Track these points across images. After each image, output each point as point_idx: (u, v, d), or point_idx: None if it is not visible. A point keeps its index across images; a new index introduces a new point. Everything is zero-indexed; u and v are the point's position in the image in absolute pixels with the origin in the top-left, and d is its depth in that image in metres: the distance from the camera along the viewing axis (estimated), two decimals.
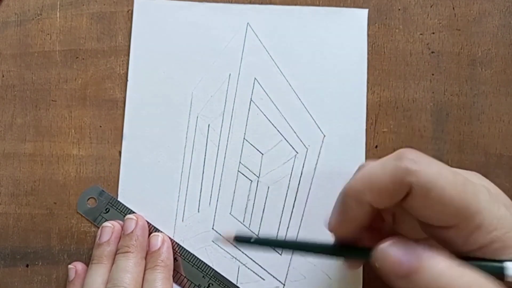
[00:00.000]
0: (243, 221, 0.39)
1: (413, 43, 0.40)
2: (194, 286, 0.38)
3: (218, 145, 0.40)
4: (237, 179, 0.39)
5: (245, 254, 0.38)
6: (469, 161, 0.39)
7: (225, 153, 0.40)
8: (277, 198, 0.39)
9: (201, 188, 0.39)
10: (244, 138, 0.40)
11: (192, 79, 0.40)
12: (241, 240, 0.33)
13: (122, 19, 0.41)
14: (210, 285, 0.38)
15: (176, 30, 0.41)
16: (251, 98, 0.40)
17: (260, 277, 0.38)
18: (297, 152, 0.39)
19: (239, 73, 0.40)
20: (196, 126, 0.40)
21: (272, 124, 0.40)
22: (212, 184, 0.39)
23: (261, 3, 0.41)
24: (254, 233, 0.39)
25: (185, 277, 0.38)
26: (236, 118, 0.40)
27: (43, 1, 0.41)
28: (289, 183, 0.39)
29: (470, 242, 0.28)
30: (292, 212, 0.39)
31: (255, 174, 0.39)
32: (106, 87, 0.40)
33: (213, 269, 0.38)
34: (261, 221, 0.39)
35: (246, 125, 0.40)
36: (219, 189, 0.39)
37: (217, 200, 0.39)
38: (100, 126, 0.40)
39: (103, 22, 0.41)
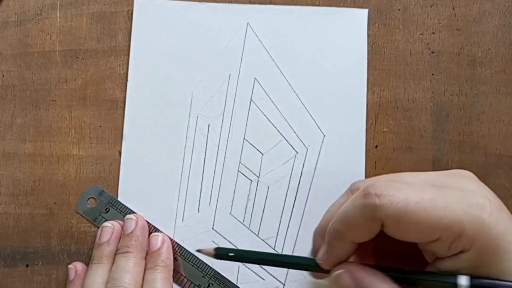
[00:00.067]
0: (243, 221, 0.39)
1: (413, 43, 0.40)
2: (194, 286, 0.38)
3: (218, 145, 0.40)
4: (237, 179, 0.39)
5: None
6: (469, 161, 0.39)
7: (225, 153, 0.40)
8: (277, 198, 0.39)
9: (201, 188, 0.39)
10: (244, 138, 0.40)
11: (192, 79, 0.40)
12: (221, 254, 0.34)
13: (122, 19, 0.41)
14: (210, 285, 0.38)
15: (176, 30, 0.41)
16: (251, 98, 0.40)
17: (260, 277, 0.38)
18: (297, 152, 0.39)
19: (239, 73, 0.40)
20: (196, 126, 0.40)
21: (272, 124, 0.40)
22: (212, 184, 0.39)
23: (261, 3, 0.41)
24: (254, 232, 0.39)
25: (185, 277, 0.38)
26: (236, 118, 0.40)
27: (43, 1, 0.41)
28: (289, 183, 0.39)
29: (452, 250, 0.29)
30: (292, 212, 0.39)
31: (255, 174, 0.39)
32: (106, 87, 0.40)
33: (213, 269, 0.38)
34: (261, 221, 0.39)
35: (246, 125, 0.40)
36: (219, 189, 0.39)
37: (217, 200, 0.39)
38: (100, 126, 0.40)
39: (103, 22, 0.41)
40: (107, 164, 0.40)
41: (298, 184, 0.39)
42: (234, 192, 0.39)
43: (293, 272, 0.38)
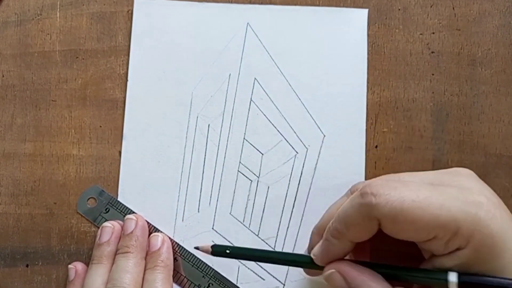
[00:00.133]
0: (243, 221, 0.39)
1: (413, 43, 0.40)
2: (194, 286, 0.38)
3: (218, 145, 0.40)
4: (237, 179, 0.39)
5: None
6: (469, 161, 0.39)
7: (225, 153, 0.40)
8: (277, 198, 0.39)
9: (201, 188, 0.39)
10: (244, 138, 0.40)
11: (192, 79, 0.40)
12: (218, 251, 0.35)
13: (122, 19, 0.41)
14: (210, 285, 0.38)
15: (176, 30, 0.41)
16: (251, 98, 0.40)
17: (260, 277, 0.38)
18: (297, 152, 0.39)
19: (239, 73, 0.40)
20: (196, 126, 0.40)
21: (272, 124, 0.40)
22: (212, 184, 0.39)
23: (261, 3, 0.41)
24: (254, 232, 0.39)
25: (185, 277, 0.38)
26: (236, 118, 0.40)
27: (43, 1, 0.41)
28: (289, 183, 0.39)
29: (449, 248, 0.29)
30: (292, 212, 0.39)
31: (255, 174, 0.39)
32: (106, 87, 0.40)
33: (213, 269, 0.38)
34: (261, 221, 0.39)
35: (246, 125, 0.40)
36: (219, 189, 0.39)
37: (217, 200, 0.39)
38: (100, 126, 0.40)
39: (103, 22, 0.41)
40: (107, 164, 0.40)
41: (298, 184, 0.39)
42: (234, 192, 0.39)
43: (293, 272, 0.38)
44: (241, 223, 0.39)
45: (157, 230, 0.39)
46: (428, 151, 0.39)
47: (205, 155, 0.40)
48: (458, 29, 0.40)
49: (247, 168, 0.39)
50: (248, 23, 0.41)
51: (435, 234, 0.29)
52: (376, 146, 0.39)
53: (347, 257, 0.33)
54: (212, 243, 0.36)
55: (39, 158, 0.40)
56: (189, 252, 0.38)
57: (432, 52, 0.40)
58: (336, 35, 0.40)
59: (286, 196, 0.39)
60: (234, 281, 0.38)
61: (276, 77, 0.40)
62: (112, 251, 0.37)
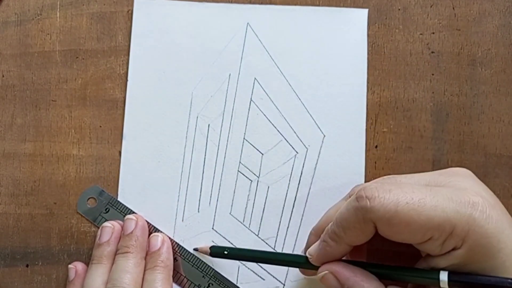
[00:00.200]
0: (243, 221, 0.39)
1: (413, 43, 0.40)
2: (194, 286, 0.38)
3: (218, 145, 0.40)
4: (237, 179, 0.39)
5: None
6: (469, 161, 0.39)
7: (225, 153, 0.40)
8: (277, 198, 0.39)
9: (201, 188, 0.39)
10: (244, 138, 0.40)
11: (192, 79, 0.40)
12: (216, 252, 0.37)
13: (122, 19, 0.41)
14: (210, 285, 0.38)
15: (176, 30, 0.41)
16: (251, 98, 0.40)
17: (260, 277, 0.38)
18: (297, 152, 0.39)
19: (239, 73, 0.40)
20: (196, 126, 0.40)
21: (272, 124, 0.40)
22: (212, 184, 0.39)
23: (261, 3, 0.41)
24: (254, 232, 0.39)
25: (185, 277, 0.38)
26: (236, 118, 0.40)
27: (43, 1, 0.41)
28: (289, 183, 0.39)
29: (445, 248, 0.29)
30: (292, 212, 0.39)
31: (255, 174, 0.39)
32: (106, 87, 0.40)
33: (213, 269, 0.38)
34: (261, 221, 0.39)
35: (246, 125, 0.40)
36: (219, 189, 0.39)
37: (217, 200, 0.39)
38: (100, 126, 0.40)
39: (103, 22, 0.41)
40: (107, 164, 0.40)
41: (298, 184, 0.39)
42: (234, 192, 0.39)
43: (293, 272, 0.38)
44: (241, 223, 0.39)
45: (157, 230, 0.39)
46: (428, 151, 0.39)
47: (205, 155, 0.40)
48: (458, 29, 0.40)
49: (247, 168, 0.39)
50: (248, 23, 0.41)
51: (430, 236, 0.29)
52: (376, 146, 0.39)
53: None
54: (211, 244, 0.37)
55: (39, 158, 0.40)
56: (189, 252, 0.38)
57: (432, 52, 0.40)
58: (336, 35, 0.40)
59: (286, 196, 0.39)
60: (234, 281, 0.38)
61: (276, 77, 0.40)
62: (112, 251, 0.37)
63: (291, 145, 0.39)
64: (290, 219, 0.39)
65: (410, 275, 0.31)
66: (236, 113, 0.40)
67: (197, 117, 0.40)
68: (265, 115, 0.40)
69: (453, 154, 0.39)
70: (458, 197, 0.29)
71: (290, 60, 0.40)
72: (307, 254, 0.34)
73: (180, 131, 0.40)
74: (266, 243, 0.38)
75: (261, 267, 0.38)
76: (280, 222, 0.39)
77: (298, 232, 0.39)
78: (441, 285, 0.30)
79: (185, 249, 0.38)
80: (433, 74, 0.40)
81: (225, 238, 0.39)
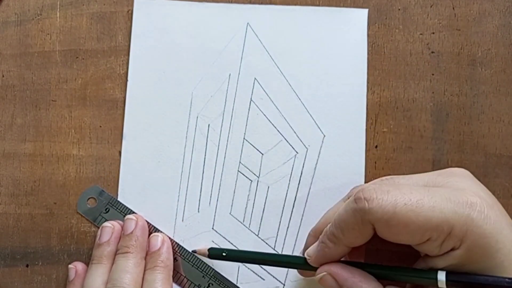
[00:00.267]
0: (243, 221, 0.39)
1: (413, 43, 0.40)
2: (194, 286, 0.38)
3: (218, 145, 0.40)
4: (237, 179, 0.39)
5: None
6: (469, 161, 0.39)
7: (225, 153, 0.40)
8: (277, 198, 0.39)
9: (201, 188, 0.39)
10: (244, 138, 0.40)
11: (192, 79, 0.40)
12: (215, 254, 0.37)
13: (122, 19, 0.41)
14: (210, 285, 0.38)
15: (176, 30, 0.41)
16: (251, 98, 0.40)
17: (260, 277, 0.38)
18: (297, 152, 0.39)
19: (239, 73, 0.40)
20: (196, 126, 0.40)
21: (272, 124, 0.40)
22: (212, 184, 0.39)
23: (261, 3, 0.41)
24: (254, 232, 0.39)
25: (185, 277, 0.38)
26: (236, 118, 0.40)
27: (43, 1, 0.41)
28: (289, 183, 0.39)
29: (443, 249, 0.29)
30: (292, 212, 0.39)
31: (255, 174, 0.39)
32: (106, 87, 0.40)
33: (213, 269, 0.38)
34: (261, 221, 0.39)
35: (246, 125, 0.40)
36: (219, 189, 0.39)
37: (217, 200, 0.39)
38: (100, 126, 0.40)
39: (103, 22, 0.41)
40: (107, 164, 0.40)
41: (298, 184, 0.39)
42: (234, 192, 0.39)
43: (293, 272, 0.38)
44: (241, 223, 0.39)
45: (157, 230, 0.39)
46: (428, 151, 0.39)
47: (205, 155, 0.40)
48: (458, 29, 0.40)
49: (247, 168, 0.39)
50: (248, 23, 0.41)
51: (429, 236, 0.29)
52: (376, 146, 0.39)
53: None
54: (209, 246, 0.37)
55: (39, 158, 0.40)
56: (189, 252, 0.38)
57: (432, 52, 0.40)
58: (336, 35, 0.40)
59: (286, 196, 0.39)
60: (234, 281, 0.38)
61: (276, 77, 0.40)
62: (112, 251, 0.37)
63: (291, 145, 0.39)
64: (290, 219, 0.39)
65: (408, 275, 0.31)
66: (236, 113, 0.40)
67: (197, 117, 0.40)
68: (265, 115, 0.40)
69: (453, 154, 0.39)
70: (456, 197, 0.29)
71: (290, 60, 0.40)
72: (305, 255, 0.34)
73: (180, 131, 0.40)
74: (266, 243, 0.39)
75: (261, 267, 0.38)
76: (280, 222, 0.39)
77: (298, 232, 0.39)
78: (439, 285, 0.30)
79: (185, 249, 0.38)
80: (433, 74, 0.40)
81: (225, 238, 0.39)
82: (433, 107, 0.40)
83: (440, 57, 0.40)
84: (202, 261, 0.38)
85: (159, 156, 0.39)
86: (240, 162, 0.39)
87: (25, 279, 0.39)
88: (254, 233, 0.39)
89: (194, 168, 0.39)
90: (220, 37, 0.40)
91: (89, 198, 0.39)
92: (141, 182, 0.39)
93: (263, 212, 0.39)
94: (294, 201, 0.39)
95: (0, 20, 0.41)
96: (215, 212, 0.39)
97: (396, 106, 0.40)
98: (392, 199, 0.29)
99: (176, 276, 0.38)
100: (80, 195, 0.39)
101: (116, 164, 0.40)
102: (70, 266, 0.38)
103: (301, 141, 0.39)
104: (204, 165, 0.39)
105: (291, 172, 0.39)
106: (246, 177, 0.39)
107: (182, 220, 0.39)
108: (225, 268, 0.38)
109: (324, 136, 0.39)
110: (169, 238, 0.38)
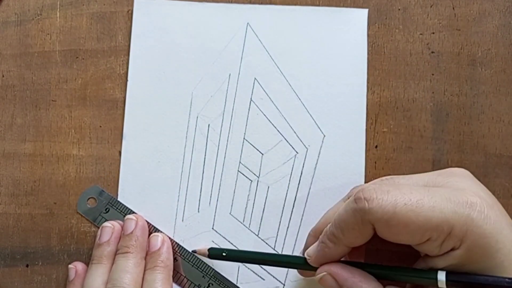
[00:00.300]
0: (243, 221, 0.39)
1: (413, 43, 0.40)
2: (194, 286, 0.38)
3: (218, 145, 0.40)
4: (237, 179, 0.39)
5: None
6: (469, 161, 0.39)
7: (225, 153, 0.40)
8: (277, 198, 0.39)
9: (201, 188, 0.39)
10: (244, 138, 0.40)
11: (192, 79, 0.40)
12: (215, 254, 0.37)
13: (122, 19, 0.41)
14: (210, 285, 0.38)
15: (176, 30, 0.41)
16: (251, 98, 0.40)
17: (260, 277, 0.38)
18: (297, 152, 0.39)
19: (239, 73, 0.40)
20: (196, 126, 0.40)
21: (272, 124, 0.40)
22: (212, 184, 0.39)
23: (261, 3, 0.41)
24: (254, 232, 0.39)
25: (185, 277, 0.38)
26: (236, 118, 0.40)
27: (43, 1, 0.41)
28: (289, 183, 0.39)
29: (443, 249, 0.30)
30: (292, 212, 0.39)
31: (255, 174, 0.39)
32: (106, 87, 0.40)
33: (213, 269, 0.38)
34: (261, 221, 0.39)
35: (246, 125, 0.40)
36: (219, 189, 0.39)
37: (217, 200, 0.39)
38: (100, 126, 0.40)
39: (103, 22, 0.41)
40: (107, 164, 0.40)
41: (298, 184, 0.39)
42: (234, 192, 0.39)
43: (293, 272, 0.38)
44: (241, 223, 0.39)
45: (157, 230, 0.39)
46: (428, 151, 0.39)
47: (205, 155, 0.40)
48: (458, 29, 0.40)
49: (247, 168, 0.39)
50: (248, 23, 0.41)
51: (429, 236, 0.29)
52: (376, 146, 0.39)
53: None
54: (209, 246, 0.37)
55: (39, 158, 0.40)
56: (189, 252, 0.38)
57: (432, 52, 0.40)
58: (336, 35, 0.40)
59: (286, 196, 0.39)
60: (234, 281, 0.38)
61: (276, 77, 0.40)
62: (112, 251, 0.37)
63: (291, 145, 0.39)
64: (290, 219, 0.39)
65: (408, 275, 0.31)
66: (236, 113, 0.40)
67: (197, 117, 0.40)
68: (265, 115, 0.40)
69: (453, 154, 0.39)
70: (456, 197, 0.29)
71: (290, 60, 0.40)
72: (305, 255, 0.34)
73: (180, 131, 0.40)
74: (266, 243, 0.39)
75: (261, 267, 0.38)
76: (280, 222, 0.39)
77: (298, 232, 0.39)
78: (439, 285, 0.30)
79: (185, 249, 0.38)
80: (433, 74, 0.40)
81: (225, 238, 0.39)
82: (433, 107, 0.40)
83: (440, 57, 0.40)
84: (202, 261, 0.38)
85: (159, 156, 0.39)
86: (240, 162, 0.39)
87: (25, 279, 0.39)
88: (254, 233, 0.39)
89: (194, 168, 0.39)
90: (220, 37, 0.40)
91: (89, 198, 0.39)
92: (141, 182, 0.39)
93: (263, 212, 0.39)
94: (294, 201, 0.39)
95: (0, 20, 0.41)
96: (215, 212, 0.39)
97: (396, 106, 0.40)
98: (392, 199, 0.29)
99: (176, 276, 0.38)
100: (80, 195, 0.39)
101: (116, 164, 0.40)
102: (70, 266, 0.38)
103: (301, 141, 0.39)
104: (204, 165, 0.39)
105: (291, 172, 0.39)
106: (246, 177, 0.39)
107: (182, 220, 0.39)
108: (225, 268, 0.38)
109: (324, 136, 0.39)
110: (169, 238, 0.38)
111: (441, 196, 0.29)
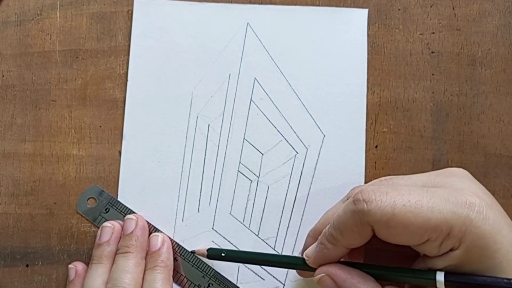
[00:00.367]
0: (243, 221, 0.39)
1: (413, 43, 0.40)
2: (194, 286, 0.38)
3: (218, 145, 0.40)
4: (237, 179, 0.39)
5: None
6: (469, 161, 0.39)
7: (225, 153, 0.40)
8: (277, 198, 0.39)
9: (201, 188, 0.39)
10: (244, 138, 0.40)
11: (192, 79, 0.40)
12: (213, 255, 0.37)
13: (122, 19, 0.41)
14: (210, 285, 0.38)
15: (176, 30, 0.41)
16: (251, 98, 0.40)
17: (260, 277, 0.38)
18: (297, 152, 0.39)
19: (239, 73, 0.40)
20: (196, 126, 0.40)
21: (272, 124, 0.40)
22: (212, 184, 0.39)
23: (261, 3, 0.41)
24: (254, 232, 0.39)
25: (185, 277, 0.38)
26: (236, 118, 0.40)
27: (43, 1, 0.41)
28: (289, 183, 0.39)
29: (442, 249, 0.29)
30: (292, 212, 0.39)
31: (255, 174, 0.39)
32: (106, 87, 0.40)
33: (213, 269, 0.38)
34: (261, 221, 0.39)
35: (246, 125, 0.40)
36: (219, 189, 0.39)
37: (217, 200, 0.39)
38: (100, 126, 0.40)
39: (103, 22, 0.41)
40: (107, 164, 0.40)
41: (298, 184, 0.39)
42: (234, 192, 0.39)
43: (293, 272, 0.38)
44: (241, 223, 0.39)
45: (157, 230, 0.39)
46: (428, 151, 0.39)
47: (205, 155, 0.40)
48: (458, 29, 0.40)
49: (247, 168, 0.39)
50: (248, 23, 0.41)
51: (428, 237, 0.29)
52: (376, 146, 0.39)
53: None
54: (208, 247, 0.37)
55: (39, 158, 0.40)
56: (189, 252, 0.38)
57: (432, 52, 0.40)
58: (336, 35, 0.40)
59: (286, 196, 0.39)
60: (234, 281, 0.38)
61: (276, 77, 0.40)
62: (112, 251, 0.37)
63: (291, 145, 0.39)
64: (290, 219, 0.39)
65: (407, 276, 0.31)
66: (236, 113, 0.40)
67: (197, 117, 0.40)
68: (265, 115, 0.40)
69: (453, 154, 0.39)
70: (455, 197, 0.29)
71: (290, 60, 0.40)
72: (304, 256, 0.34)
73: (180, 131, 0.40)
74: (266, 243, 0.39)
75: (261, 267, 0.38)
76: (280, 222, 0.39)
77: (298, 232, 0.39)
78: (438, 285, 0.30)
79: (185, 249, 0.38)
80: (433, 74, 0.40)
81: (225, 238, 0.39)
82: (433, 107, 0.40)
83: (440, 57, 0.40)
84: (202, 261, 0.38)
85: (159, 156, 0.39)
86: (240, 162, 0.39)
87: (25, 279, 0.39)
88: (254, 233, 0.39)
89: (194, 168, 0.39)
90: (220, 37, 0.40)
91: (89, 198, 0.39)
92: (141, 182, 0.39)
93: (263, 212, 0.39)
94: (294, 201, 0.39)
95: (0, 20, 0.41)
96: (215, 212, 0.39)
97: (396, 106, 0.40)
98: (391, 200, 0.29)
99: (176, 276, 0.38)
100: (80, 195, 0.39)
101: (116, 164, 0.40)
102: (70, 266, 0.38)
103: (301, 141, 0.39)
104: (204, 165, 0.39)
105: (291, 172, 0.39)
106: (246, 177, 0.39)
107: (182, 220, 0.39)
108: (225, 268, 0.38)
109: (324, 136, 0.39)
110: (169, 238, 0.38)
111: (440, 197, 0.29)
